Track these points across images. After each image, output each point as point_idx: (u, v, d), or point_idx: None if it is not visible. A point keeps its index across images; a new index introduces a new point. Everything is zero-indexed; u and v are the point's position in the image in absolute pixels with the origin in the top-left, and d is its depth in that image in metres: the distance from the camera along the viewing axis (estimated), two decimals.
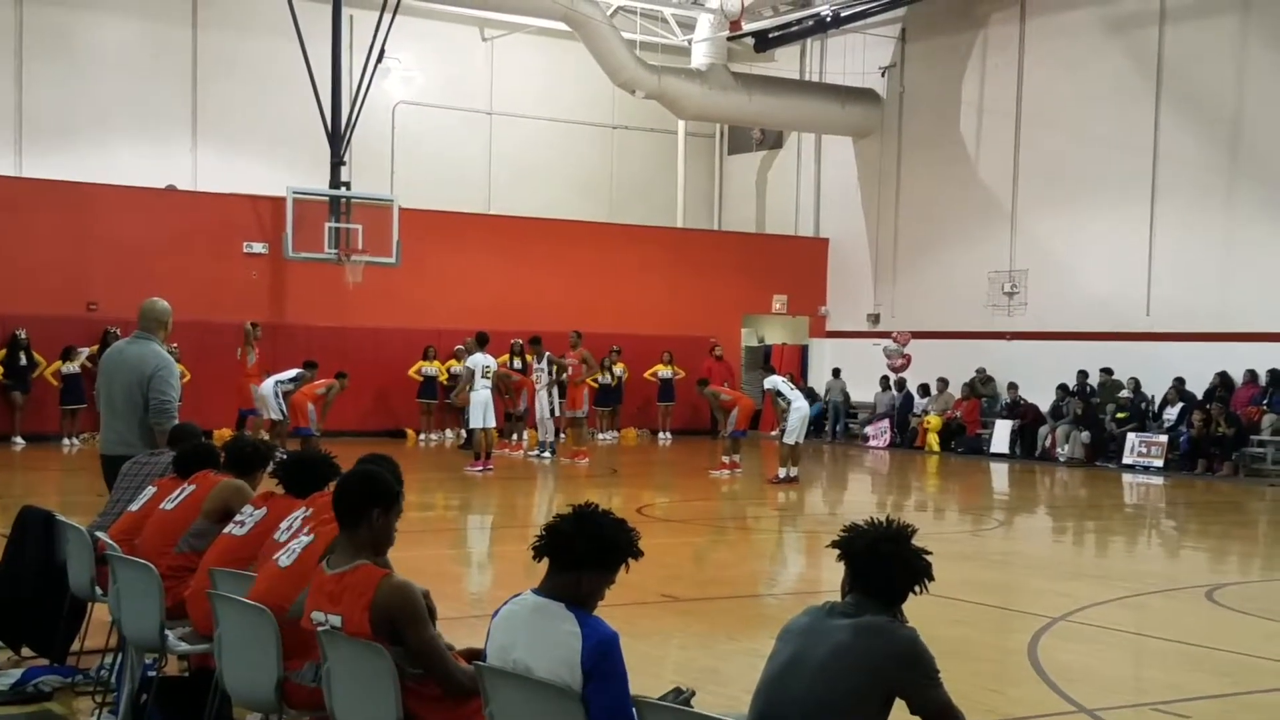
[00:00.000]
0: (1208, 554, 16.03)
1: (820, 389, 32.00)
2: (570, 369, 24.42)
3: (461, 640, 5.52)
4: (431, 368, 27.75)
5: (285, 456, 7.26)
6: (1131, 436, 25.50)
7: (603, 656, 4.30)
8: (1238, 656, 9.48)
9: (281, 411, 22.15)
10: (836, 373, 31.76)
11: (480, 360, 22.33)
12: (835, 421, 31.51)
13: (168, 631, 6.37)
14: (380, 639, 4.81)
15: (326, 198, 26.67)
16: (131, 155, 28.04)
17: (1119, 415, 26.04)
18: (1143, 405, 26.09)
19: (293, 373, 22.50)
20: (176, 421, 9.02)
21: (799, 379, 29.74)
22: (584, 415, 25.03)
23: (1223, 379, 25.12)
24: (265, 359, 24.53)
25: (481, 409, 21.96)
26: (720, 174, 36.45)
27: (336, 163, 26.78)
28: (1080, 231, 27.96)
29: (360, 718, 4.92)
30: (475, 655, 5.20)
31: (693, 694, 4.71)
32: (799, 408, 20.98)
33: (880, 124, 32.40)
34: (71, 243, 25.36)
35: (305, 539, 5.67)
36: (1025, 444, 27.46)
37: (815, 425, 27.51)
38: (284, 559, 5.68)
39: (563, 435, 25.45)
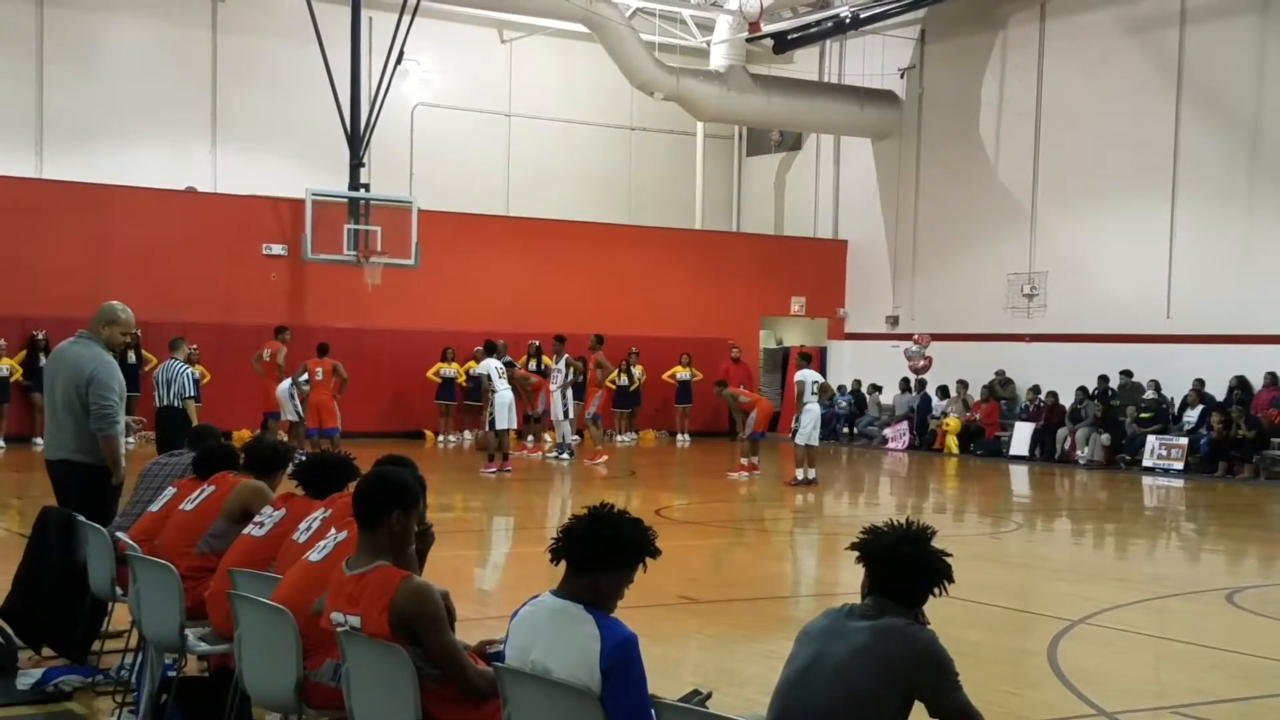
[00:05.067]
0: (1228, 557, 15.96)
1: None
2: (588, 371, 24.59)
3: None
4: (450, 369, 27.77)
5: (305, 458, 7.28)
6: (1151, 439, 25.41)
7: (621, 658, 4.30)
8: (1259, 660, 9.44)
9: (298, 413, 22.20)
10: (876, 388, 31.72)
11: (492, 364, 22.47)
12: (850, 423, 31.55)
13: (187, 632, 6.38)
14: (399, 640, 4.81)
15: (345, 199, 26.73)
16: (151, 157, 28.15)
17: (1143, 415, 25.94)
18: (1163, 407, 26.00)
19: (304, 375, 22.54)
20: (120, 427, 8.72)
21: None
22: (593, 415, 25.02)
23: (1241, 382, 25.05)
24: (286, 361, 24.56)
25: (507, 410, 22.05)
26: (739, 176, 36.42)
27: (355, 164, 26.83)
28: (1100, 233, 27.88)
29: (379, 718, 4.92)
30: (488, 647, 5.22)
31: (709, 695, 4.71)
32: (810, 409, 20.92)
33: (899, 125, 32.35)
34: (91, 244, 25.44)
35: (340, 535, 5.67)
36: (1045, 446, 27.39)
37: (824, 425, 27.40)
38: (315, 555, 5.69)
39: (579, 436, 25.51)
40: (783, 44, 32.49)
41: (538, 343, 26.14)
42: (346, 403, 23.07)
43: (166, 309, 24.65)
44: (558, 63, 32.98)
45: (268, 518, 6.64)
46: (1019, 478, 25.10)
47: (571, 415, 24.22)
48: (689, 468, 25.67)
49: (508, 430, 22.16)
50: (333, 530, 5.81)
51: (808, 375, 21.37)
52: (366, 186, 27.05)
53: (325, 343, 23.30)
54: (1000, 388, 29.13)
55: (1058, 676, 8.68)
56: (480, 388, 23.68)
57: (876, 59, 32.33)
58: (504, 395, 22.11)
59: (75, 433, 8.64)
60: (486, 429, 22.78)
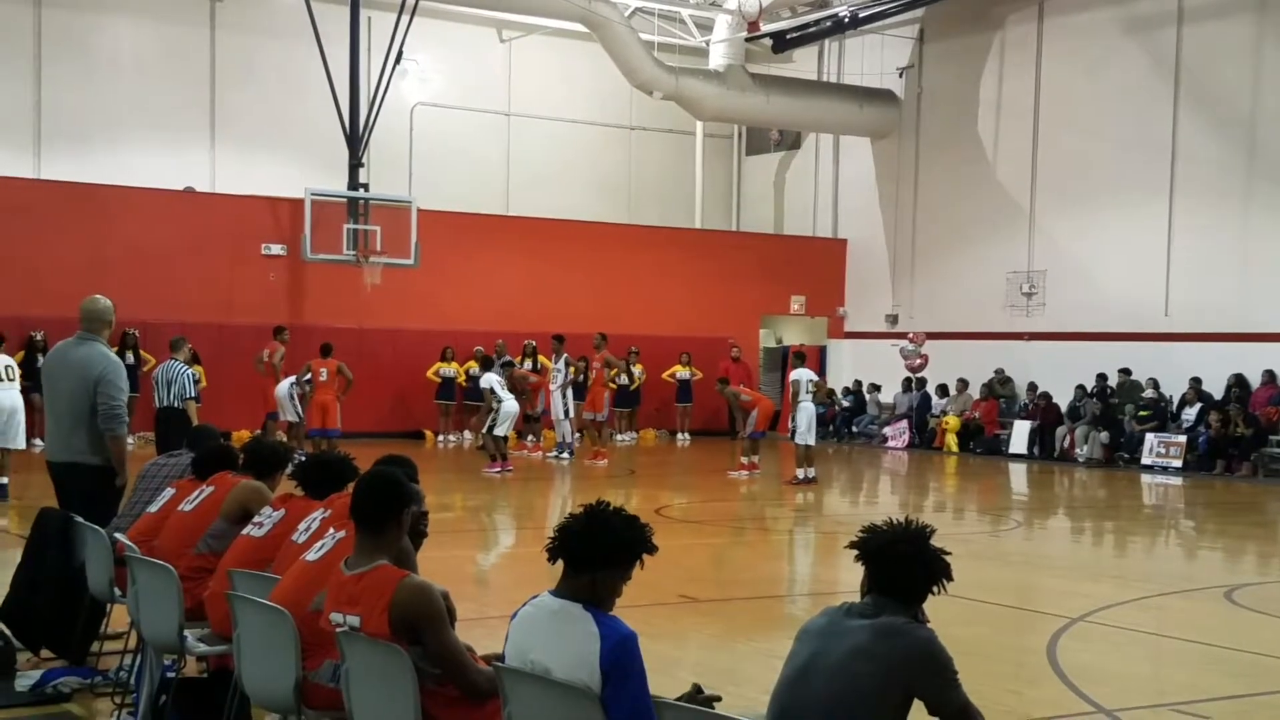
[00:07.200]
0: (1226, 554, 15.97)
1: (839, 391, 31.99)
2: (594, 372, 24.59)
3: (480, 641, 5.51)
4: (449, 369, 27.77)
5: (304, 458, 7.28)
6: (1150, 437, 25.42)
7: (621, 657, 4.30)
8: (1257, 657, 9.44)
9: (298, 413, 22.20)
10: (875, 387, 31.72)
11: (493, 377, 22.54)
12: (849, 423, 31.54)
13: (186, 632, 6.38)
14: (399, 640, 4.81)
15: (345, 199, 26.73)
16: (149, 157, 28.11)
17: (1141, 414, 25.94)
18: (1162, 405, 26.01)
19: (307, 375, 22.56)
20: (128, 426, 8.81)
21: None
22: (604, 418, 25.06)
23: (1239, 380, 25.06)
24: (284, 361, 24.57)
25: (509, 420, 22.11)
26: (738, 175, 36.41)
27: (355, 164, 26.83)
28: (1098, 232, 27.88)
29: (379, 719, 4.92)
30: (496, 660, 5.21)
31: (718, 699, 4.69)
32: (805, 407, 20.90)
33: (898, 125, 32.35)
34: (89, 245, 25.41)
35: (339, 535, 5.67)
36: (1044, 445, 27.39)
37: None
38: (312, 554, 5.68)
39: (579, 436, 25.51)
40: (782, 43, 32.50)
41: (533, 342, 26.15)
42: (346, 403, 23.06)
43: (165, 310, 24.66)
44: (557, 62, 32.96)
45: (267, 518, 6.64)
46: (1018, 476, 25.11)
47: (572, 415, 24.24)
48: (689, 467, 25.67)
49: (505, 436, 22.20)
50: (331, 530, 5.81)
51: (803, 374, 21.34)
52: (365, 186, 27.05)
53: (329, 343, 23.31)
54: (999, 386, 29.14)
55: (1057, 674, 8.68)
56: (484, 396, 23.63)
57: (875, 58, 32.34)
58: (509, 406, 22.15)
59: (83, 434, 8.67)
60: (484, 431, 22.79)
